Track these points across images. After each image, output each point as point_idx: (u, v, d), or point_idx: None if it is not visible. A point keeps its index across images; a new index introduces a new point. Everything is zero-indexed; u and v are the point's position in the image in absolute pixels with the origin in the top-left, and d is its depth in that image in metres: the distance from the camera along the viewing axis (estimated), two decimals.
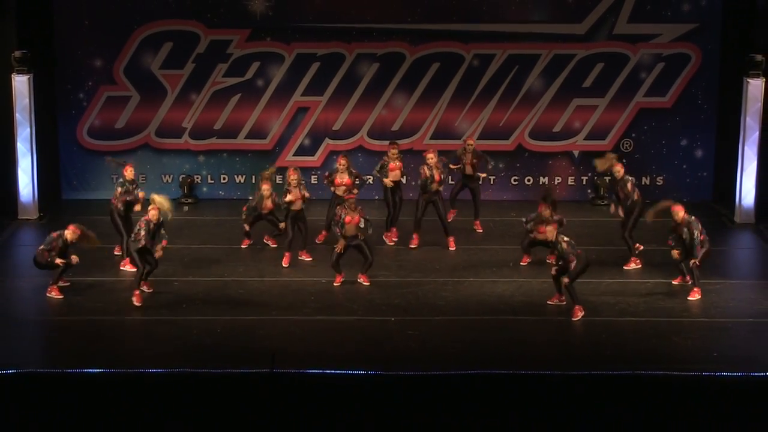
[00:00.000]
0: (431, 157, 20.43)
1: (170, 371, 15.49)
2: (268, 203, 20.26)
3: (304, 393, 15.26)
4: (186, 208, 23.30)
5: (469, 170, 21.19)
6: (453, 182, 21.95)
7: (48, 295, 18.20)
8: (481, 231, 21.49)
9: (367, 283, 18.88)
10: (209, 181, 23.90)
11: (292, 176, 19.91)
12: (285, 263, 19.75)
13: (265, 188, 20.26)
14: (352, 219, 18.71)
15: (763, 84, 21.85)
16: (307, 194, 19.86)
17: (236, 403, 15.17)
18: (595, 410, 15.18)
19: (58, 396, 15.19)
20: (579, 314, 17.50)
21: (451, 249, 20.59)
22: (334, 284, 18.89)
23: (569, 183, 23.85)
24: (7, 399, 15.13)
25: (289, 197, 19.66)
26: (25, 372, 15.39)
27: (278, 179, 22.28)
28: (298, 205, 19.81)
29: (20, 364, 15.60)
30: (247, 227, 20.45)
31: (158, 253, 18.18)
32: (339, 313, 17.94)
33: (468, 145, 21.22)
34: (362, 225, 18.73)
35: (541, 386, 15.36)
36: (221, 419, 15.03)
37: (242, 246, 20.59)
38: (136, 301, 17.88)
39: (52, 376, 15.44)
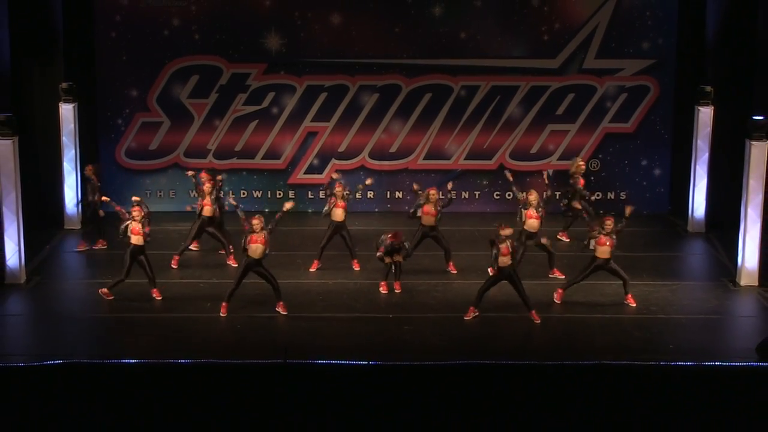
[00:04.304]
0: (433, 194, 19.23)
1: (197, 362, 15.50)
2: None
3: (313, 381, 15.29)
4: None
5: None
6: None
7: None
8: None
9: (398, 290, 18.66)
10: (230, 196, 23.86)
11: (337, 188, 19.42)
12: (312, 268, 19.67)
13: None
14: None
15: (712, 111, 21.90)
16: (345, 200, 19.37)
17: (254, 389, 15.18)
18: (566, 395, 15.20)
19: (99, 383, 15.21)
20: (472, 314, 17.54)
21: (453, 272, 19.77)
22: (381, 291, 18.63)
23: (544, 197, 23.78)
24: (55, 386, 15.16)
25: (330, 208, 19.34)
26: (71, 362, 15.43)
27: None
28: (340, 216, 19.54)
29: (66, 355, 15.65)
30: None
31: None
32: (344, 311, 17.95)
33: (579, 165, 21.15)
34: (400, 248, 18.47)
35: (519, 374, 15.38)
36: (241, 403, 15.05)
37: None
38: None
39: (93, 366, 15.46)
